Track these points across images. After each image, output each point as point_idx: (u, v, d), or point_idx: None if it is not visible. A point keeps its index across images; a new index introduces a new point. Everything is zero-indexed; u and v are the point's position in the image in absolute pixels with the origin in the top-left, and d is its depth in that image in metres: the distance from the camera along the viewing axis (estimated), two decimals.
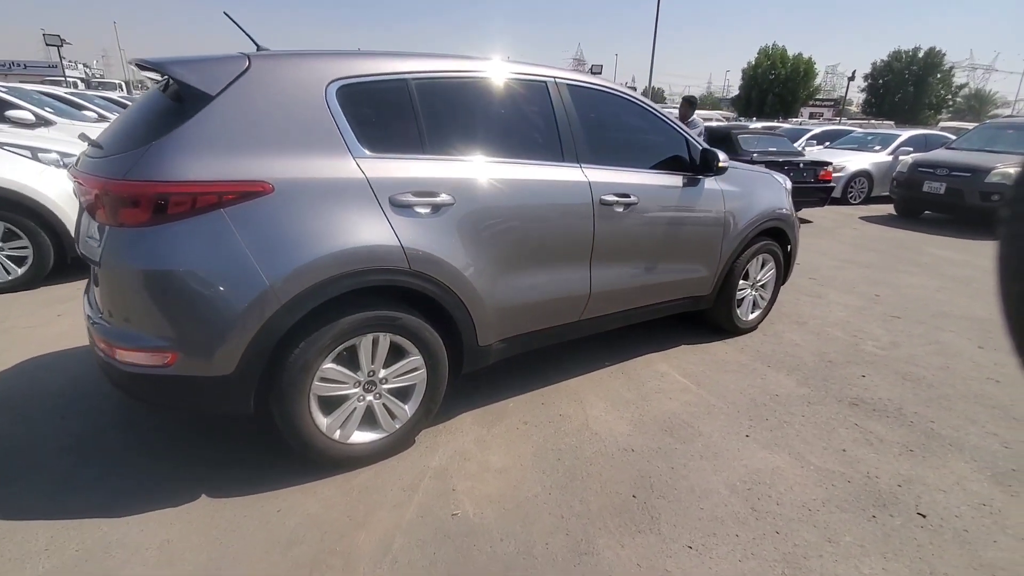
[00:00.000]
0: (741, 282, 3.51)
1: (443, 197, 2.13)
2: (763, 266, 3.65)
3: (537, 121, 2.52)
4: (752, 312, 3.74)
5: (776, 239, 3.65)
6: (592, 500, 2.05)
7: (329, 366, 1.99)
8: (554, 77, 2.57)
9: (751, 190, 3.42)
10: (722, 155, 2.98)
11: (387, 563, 1.73)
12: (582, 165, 2.58)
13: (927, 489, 2.16)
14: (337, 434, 2.10)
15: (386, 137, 2.10)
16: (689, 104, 6.91)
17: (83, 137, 3.22)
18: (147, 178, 1.69)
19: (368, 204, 1.97)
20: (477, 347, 2.38)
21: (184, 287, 1.73)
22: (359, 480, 2.12)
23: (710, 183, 3.14)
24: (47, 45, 27.48)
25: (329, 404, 2.07)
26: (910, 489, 2.17)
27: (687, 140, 3.08)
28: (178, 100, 1.83)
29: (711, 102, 77.61)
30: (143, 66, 1.89)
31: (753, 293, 3.70)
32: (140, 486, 2.03)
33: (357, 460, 2.18)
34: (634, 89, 3.24)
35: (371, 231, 1.96)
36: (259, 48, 2.24)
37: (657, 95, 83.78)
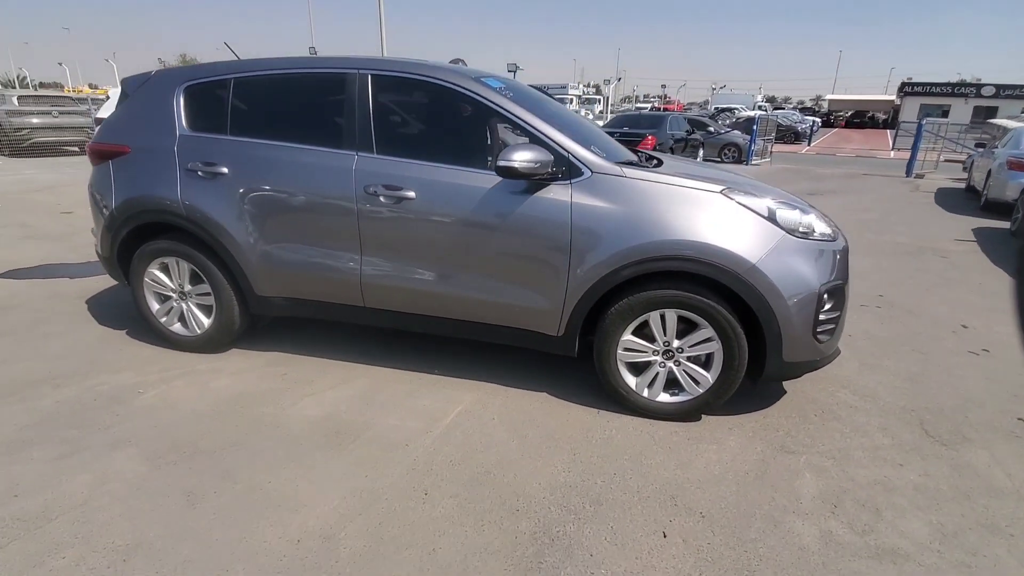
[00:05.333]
0: (634, 339, 2.48)
1: (220, 168, 2.78)
2: (691, 330, 2.41)
3: (327, 110, 2.72)
4: (671, 393, 2.53)
5: (721, 295, 2.33)
6: (188, 442, 2.39)
7: (152, 271, 3.03)
8: (360, 69, 2.67)
9: (642, 211, 2.34)
10: (518, 153, 2.26)
11: (56, 401, 2.68)
12: (359, 153, 2.62)
13: None
14: (164, 319, 3.13)
15: (204, 122, 2.89)
16: None
17: None
18: (92, 141, 3.12)
19: (171, 167, 2.85)
20: (255, 294, 2.92)
21: (96, 202, 3.09)
22: (158, 353, 3.10)
23: (556, 190, 2.41)
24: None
25: (160, 299, 3.12)
26: None
27: (540, 136, 2.44)
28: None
29: None
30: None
31: (668, 364, 2.49)
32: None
33: (177, 344, 3.15)
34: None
35: (165, 185, 2.85)
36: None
37: None
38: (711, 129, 17.32)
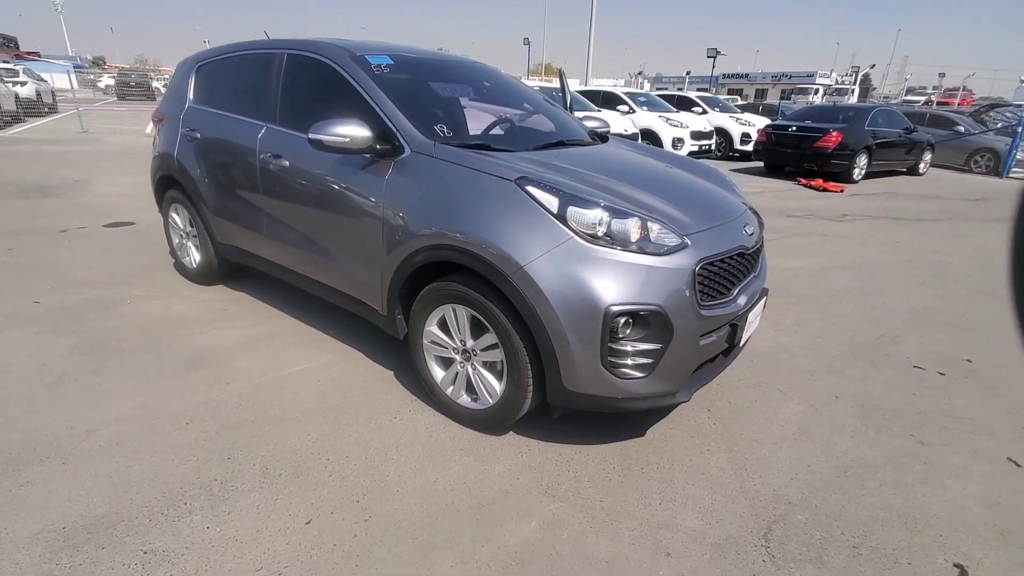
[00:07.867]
0: (437, 332, 2.33)
1: (196, 133, 3.39)
2: (483, 332, 2.16)
3: (261, 86, 3.07)
4: (472, 397, 2.31)
5: (496, 294, 2.04)
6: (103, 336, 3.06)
7: (172, 214, 3.86)
8: (282, 48, 2.96)
9: (439, 194, 2.17)
10: (329, 127, 2.24)
11: (82, 298, 3.61)
12: (268, 124, 2.94)
13: None
14: (179, 253, 3.96)
15: (201, 95, 3.54)
16: None
17: None
18: (155, 112, 4.05)
19: (177, 131, 3.57)
20: (217, 240, 3.51)
21: (154, 150, 4.03)
22: (173, 279, 3.93)
23: (380, 167, 2.38)
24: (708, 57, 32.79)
25: (178, 236, 3.94)
26: None
27: (378, 113, 2.43)
28: None
29: None
30: None
31: (467, 366, 2.27)
32: None
33: (184, 273, 3.96)
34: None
35: (172, 146, 3.58)
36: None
37: None
38: (960, 129, 13.47)
